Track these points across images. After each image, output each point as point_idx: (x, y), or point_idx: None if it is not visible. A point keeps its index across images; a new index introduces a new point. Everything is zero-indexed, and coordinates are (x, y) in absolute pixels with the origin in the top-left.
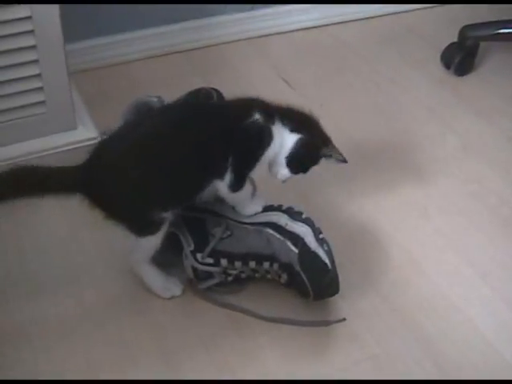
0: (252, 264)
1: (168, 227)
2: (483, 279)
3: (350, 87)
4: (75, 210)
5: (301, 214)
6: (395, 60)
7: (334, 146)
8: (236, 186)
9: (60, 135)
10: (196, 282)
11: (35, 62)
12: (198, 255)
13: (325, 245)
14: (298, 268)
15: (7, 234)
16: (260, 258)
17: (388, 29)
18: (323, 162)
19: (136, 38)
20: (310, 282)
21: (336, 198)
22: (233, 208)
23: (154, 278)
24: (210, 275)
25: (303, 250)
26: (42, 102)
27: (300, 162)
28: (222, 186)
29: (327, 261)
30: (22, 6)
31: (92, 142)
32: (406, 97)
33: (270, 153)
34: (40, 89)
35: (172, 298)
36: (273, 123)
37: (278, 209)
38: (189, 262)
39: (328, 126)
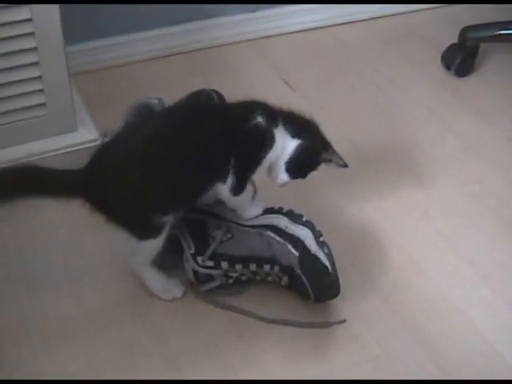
0: (252, 267)
1: (169, 230)
2: (484, 280)
3: (350, 88)
4: (77, 213)
5: (301, 216)
6: (396, 61)
7: (334, 151)
8: (237, 189)
9: (60, 137)
10: (197, 285)
11: (36, 64)
12: (199, 258)
13: (325, 247)
14: (298, 271)
15: (9, 236)
16: (260, 261)
17: (389, 30)
18: (323, 165)
19: (137, 40)
20: (310, 285)
21: (336, 200)
22: (233, 211)
23: (155, 280)
24: (210, 278)
25: (304, 253)
26: (43, 104)
27: (299, 167)
28: (223, 190)
29: (328, 264)
30: (23, 8)
31: (93, 144)
32: (407, 97)
33: (271, 156)
34: (40, 91)
35: (173, 300)
36: (275, 126)
37: (279, 211)
38: (189, 264)
39: (328, 127)
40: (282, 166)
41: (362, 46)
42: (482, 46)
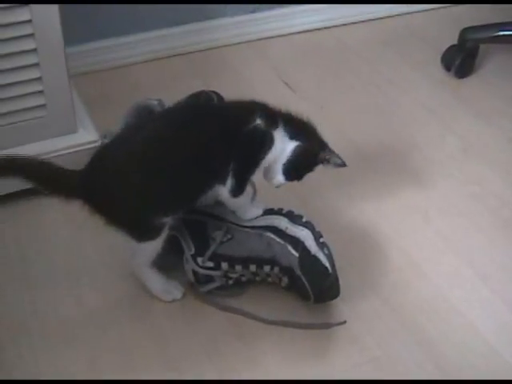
0: (252, 267)
1: (168, 231)
2: (483, 281)
3: (350, 89)
4: (77, 213)
5: (301, 217)
6: (396, 62)
7: (331, 150)
8: (237, 190)
9: (60, 138)
10: (197, 286)
11: (36, 65)
12: (199, 259)
13: (325, 248)
14: (298, 272)
15: (10, 236)
16: (260, 262)
17: (389, 31)
18: (322, 166)
19: (136, 41)
20: (310, 286)
21: (336, 200)
22: (233, 212)
23: (155, 281)
24: (210, 279)
25: (303, 254)
26: (43, 106)
27: (296, 169)
28: (223, 191)
29: (327, 264)
30: (23, 9)
31: (93, 146)
32: (407, 98)
33: (269, 158)
34: (40, 92)
35: (173, 301)
36: (275, 128)
37: (279, 212)
38: (189, 265)
39: (328, 128)
40: (279, 168)
41: (362, 46)
42: (482, 46)
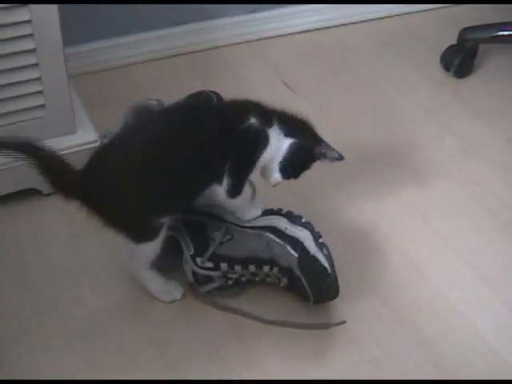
0: (252, 268)
1: (167, 232)
2: (483, 281)
3: (349, 89)
4: (77, 214)
5: (300, 217)
6: (395, 62)
7: (326, 145)
8: (234, 191)
9: (60, 139)
10: (196, 286)
11: (35, 65)
12: (198, 259)
13: (324, 249)
14: (297, 272)
15: (9, 237)
16: (260, 262)
17: (388, 31)
18: (320, 164)
19: (136, 41)
20: (309, 286)
21: (335, 201)
22: (233, 212)
23: (155, 282)
24: (210, 279)
25: (303, 254)
26: (42, 106)
27: (293, 166)
28: (220, 192)
29: (327, 265)
30: (22, 9)
31: (92, 146)
32: (406, 98)
33: (265, 157)
34: (40, 92)
35: (173, 301)
36: (269, 127)
37: (278, 213)
38: (189, 266)
39: (327, 128)
40: (275, 166)
41: (361, 46)
42: (481, 47)
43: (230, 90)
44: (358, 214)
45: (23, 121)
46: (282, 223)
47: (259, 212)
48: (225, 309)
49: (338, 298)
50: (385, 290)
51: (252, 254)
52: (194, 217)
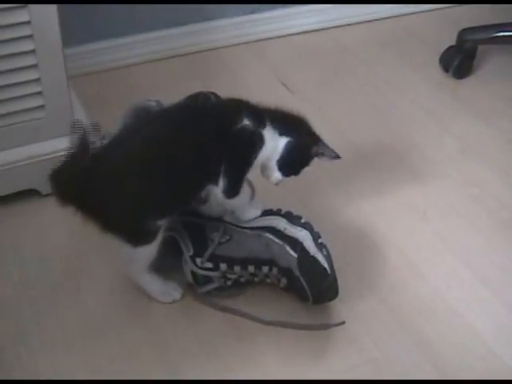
0: (251, 268)
1: (166, 233)
2: (482, 282)
3: (348, 90)
4: (75, 215)
5: (300, 218)
6: (394, 63)
7: (324, 144)
8: (231, 191)
9: (59, 140)
10: (196, 287)
11: (34, 66)
12: (198, 260)
13: (324, 249)
14: (297, 272)
15: (7, 238)
16: (259, 263)
17: (387, 32)
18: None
19: (135, 42)
20: (309, 287)
21: (334, 201)
22: (232, 212)
23: (154, 284)
24: (209, 280)
25: (302, 255)
26: (41, 107)
27: (291, 164)
28: (217, 193)
29: (326, 265)
30: (21, 10)
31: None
32: (405, 99)
33: (262, 157)
34: (39, 93)
35: (172, 302)
36: (263, 127)
37: (277, 213)
38: (188, 266)
39: (326, 129)
40: (274, 165)
41: (360, 47)
42: (480, 47)
43: (229, 91)
44: (356, 214)
45: (22, 122)
46: (281, 223)
47: (258, 212)
48: (224, 309)
49: (337, 299)
50: (384, 291)
51: (251, 254)
52: (193, 218)
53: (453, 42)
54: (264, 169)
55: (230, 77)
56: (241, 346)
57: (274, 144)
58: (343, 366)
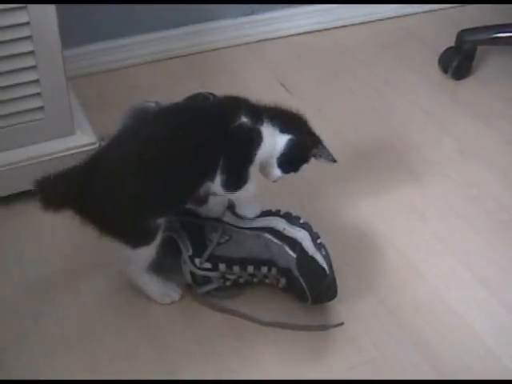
0: (250, 269)
1: (165, 233)
2: (481, 283)
3: (348, 91)
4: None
5: (299, 218)
6: (393, 64)
7: (323, 146)
8: (231, 186)
9: (58, 141)
10: (195, 287)
11: (33, 67)
12: (197, 260)
13: (323, 249)
14: (296, 273)
15: (6, 240)
16: (258, 263)
17: (386, 33)
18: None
19: (134, 43)
20: (308, 287)
21: (333, 202)
22: (231, 213)
23: (152, 285)
24: (208, 280)
25: (301, 255)
26: (41, 108)
27: (291, 162)
28: (216, 187)
29: (325, 265)
30: (20, 11)
31: (90, 148)
32: (404, 100)
33: (261, 153)
34: (38, 94)
35: (171, 303)
36: (261, 124)
37: (276, 214)
38: (187, 267)
39: (326, 130)
40: (274, 162)
41: (360, 48)
42: (479, 48)
43: (229, 92)
44: (355, 214)
45: (22, 123)
46: (280, 224)
47: (258, 211)
48: (223, 310)
49: (335, 299)
50: (382, 291)
51: (250, 254)
52: (192, 219)
53: (452, 43)
54: (264, 166)
55: (229, 77)
56: (240, 346)
57: (274, 141)
58: (342, 366)
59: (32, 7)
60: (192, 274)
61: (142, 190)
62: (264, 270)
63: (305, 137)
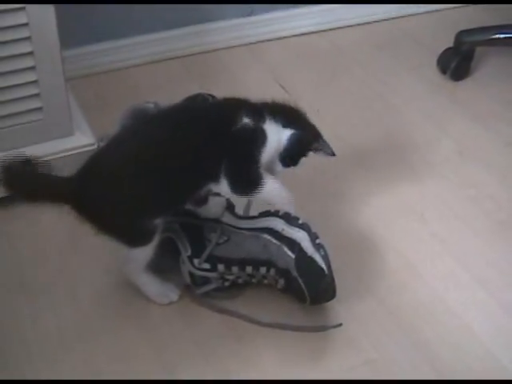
0: (249, 269)
1: (164, 234)
2: (480, 284)
3: (346, 92)
4: (73, 217)
5: (297, 219)
6: (392, 65)
7: (324, 140)
8: (240, 189)
9: (57, 141)
10: (193, 288)
11: (32, 68)
12: (195, 260)
13: (321, 250)
14: (294, 273)
15: (5, 240)
16: (257, 263)
17: (385, 34)
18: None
19: (133, 44)
20: (306, 287)
21: (332, 202)
22: (230, 213)
23: (151, 285)
24: (207, 280)
25: (300, 255)
26: (39, 109)
27: (292, 156)
28: (224, 190)
29: (324, 266)
30: (19, 12)
31: (89, 149)
32: (402, 101)
33: (267, 152)
34: (37, 95)
35: (170, 303)
36: (264, 122)
37: (275, 214)
38: (186, 267)
39: (325, 131)
40: (276, 157)
41: (358, 50)
42: (478, 49)
43: (227, 93)
44: (354, 215)
45: (20, 124)
46: (278, 224)
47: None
48: (222, 311)
49: (334, 299)
50: (382, 292)
51: (249, 255)
52: (190, 219)
53: (450, 44)
54: (268, 163)
55: (228, 78)
56: (238, 347)
57: (278, 137)
58: (341, 367)
59: (31, 8)
60: (191, 274)
61: (141, 190)
62: (263, 270)
63: (306, 131)
